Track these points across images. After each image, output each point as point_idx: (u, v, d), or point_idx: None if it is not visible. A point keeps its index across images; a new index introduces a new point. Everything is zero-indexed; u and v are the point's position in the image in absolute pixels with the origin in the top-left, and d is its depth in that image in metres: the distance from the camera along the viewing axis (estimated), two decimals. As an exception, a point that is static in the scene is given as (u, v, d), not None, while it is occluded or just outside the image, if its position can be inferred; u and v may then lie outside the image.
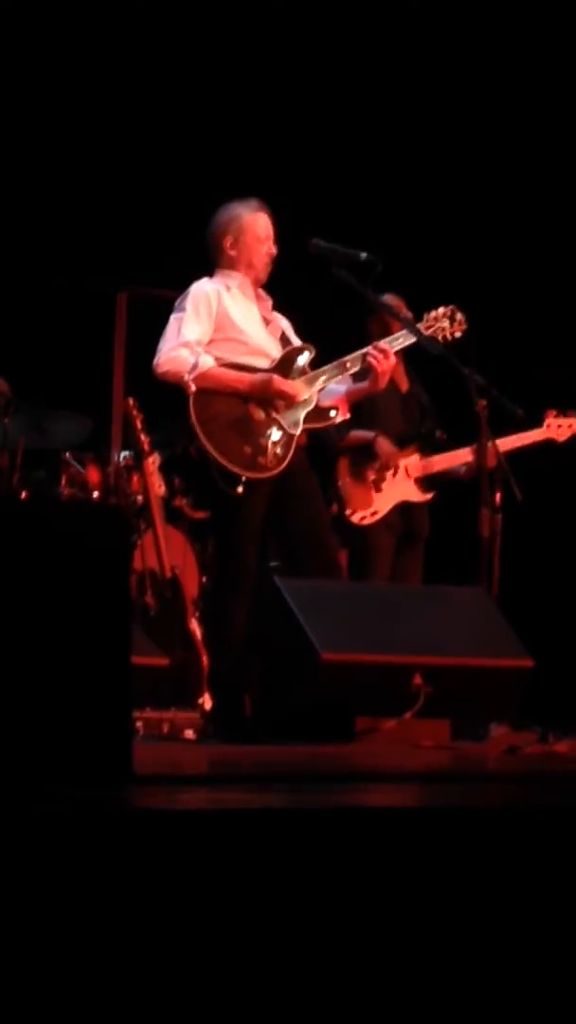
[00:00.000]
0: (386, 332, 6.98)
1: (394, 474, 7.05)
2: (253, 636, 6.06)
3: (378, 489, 7.03)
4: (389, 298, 6.91)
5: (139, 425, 7.26)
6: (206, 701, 6.59)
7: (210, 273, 6.38)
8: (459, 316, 6.55)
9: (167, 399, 6.58)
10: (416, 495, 7.09)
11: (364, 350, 6.41)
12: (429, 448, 7.13)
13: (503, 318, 7.82)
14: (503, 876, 3.02)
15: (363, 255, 6.32)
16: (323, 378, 6.32)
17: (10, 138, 8.25)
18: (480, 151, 8.78)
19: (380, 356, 6.34)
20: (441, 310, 6.57)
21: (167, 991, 2.71)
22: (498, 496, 6.57)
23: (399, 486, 7.07)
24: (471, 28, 8.66)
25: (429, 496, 7.11)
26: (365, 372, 6.42)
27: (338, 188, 8.54)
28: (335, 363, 6.37)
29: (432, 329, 6.52)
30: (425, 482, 7.11)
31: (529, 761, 5.30)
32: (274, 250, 6.35)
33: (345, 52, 8.68)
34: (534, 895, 3.04)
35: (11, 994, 2.61)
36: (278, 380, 6.20)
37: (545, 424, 7.05)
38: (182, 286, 6.48)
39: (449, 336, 6.53)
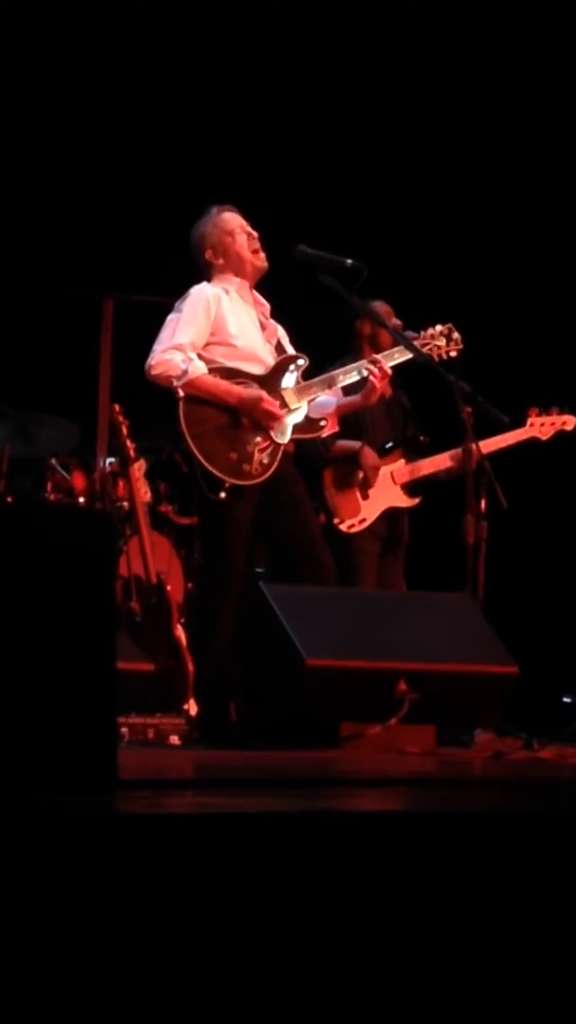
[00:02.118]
0: (376, 333, 7.00)
1: (380, 482, 7.07)
2: (238, 642, 6.06)
3: (365, 497, 7.05)
4: (378, 305, 6.92)
5: (125, 431, 7.27)
6: (191, 707, 6.60)
7: (208, 278, 6.38)
8: (455, 336, 6.55)
9: (153, 405, 6.59)
10: (403, 501, 7.11)
11: (359, 363, 6.43)
12: (414, 453, 7.15)
13: (487, 318, 7.81)
14: (489, 882, 3.03)
15: (349, 261, 6.32)
16: (314, 389, 6.33)
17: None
18: (469, 157, 8.80)
19: (379, 374, 6.36)
20: (438, 328, 6.56)
21: (155, 995, 2.71)
22: (483, 503, 6.58)
23: (386, 492, 7.08)
24: (468, 35, 8.67)
25: (415, 501, 7.13)
26: (356, 385, 6.43)
27: (323, 195, 8.54)
28: (327, 375, 6.39)
29: (428, 347, 6.51)
30: (411, 488, 7.13)
31: (514, 767, 5.31)
32: (255, 233, 6.36)
33: (338, 58, 8.69)
34: (520, 900, 3.05)
35: (1, 998, 2.61)
36: (267, 401, 6.19)
37: (528, 423, 7.06)
38: (168, 292, 6.49)
39: (444, 355, 6.52)
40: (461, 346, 6.54)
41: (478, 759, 5.58)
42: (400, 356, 6.46)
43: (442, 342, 6.54)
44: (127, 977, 2.70)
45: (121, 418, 7.27)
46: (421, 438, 7.18)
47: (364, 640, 5.92)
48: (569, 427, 7.11)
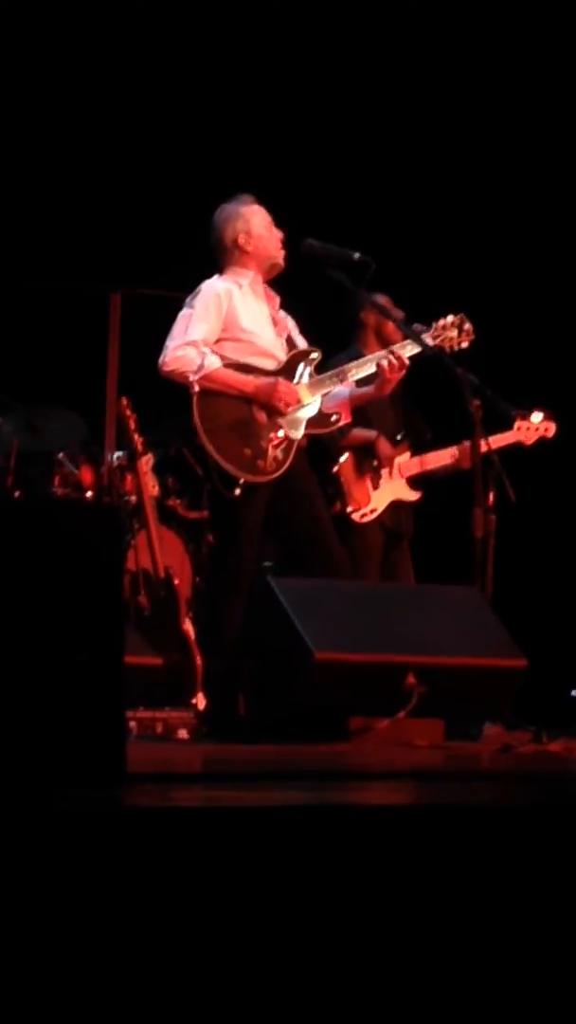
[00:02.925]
0: (382, 325, 6.99)
1: (389, 473, 7.08)
2: (246, 636, 6.06)
3: (375, 487, 7.07)
4: (379, 297, 6.91)
5: (132, 425, 7.26)
6: (200, 701, 6.60)
7: (220, 271, 6.36)
8: (467, 326, 6.51)
9: (161, 399, 6.59)
10: (408, 494, 7.14)
11: (377, 354, 6.42)
12: (419, 447, 7.16)
13: (494, 309, 7.79)
14: (497, 875, 3.03)
15: (356, 255, 6.31)
16: (327, 383, 6.32)
17: (4, 140, 8.24)
18: (474, 149, 8.78)
19: (396, 364, 6.33)
20: (450, 319, 6.52)
21: (163, 988, 2.71)
22: (492, 496, 6.58)
23: (393, 485, 7.10)
24: (472, 29, 8.66)
25: (418, 495, 7.15)
26: (368, 378, 6.43)
27: (330, 188, 8.53)
28: (339, 369, 6.38)
29: (440, 338, 6.48)
30: (415, 481, 7.14)
31: (523, 760, 5.31)
32: (280, 233, 6.35)
33: (344, 51, 8.67)
34: (528, 893, 3.04)
35: (7, 992, 2.61)
36: (283, 383, 6.19)
37: (515, 427, 7.05)
38: (176, 286, 6.48)
39: (456, 346, 6.49)
40: (473, 336, 6.51)
41: (487, 752, 5.58)
42: (412, 348, 6.45)
43: (454, 333, 6.51)
44: (136, 969, 2.70)
45: (129, 412, 7.27)
46: (428, 435, 7.19)
47: (372, 634, 5.92)
48: (550, 435, 7.13)
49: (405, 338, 6.55)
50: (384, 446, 7.08)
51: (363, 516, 7.01)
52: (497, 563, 6.53)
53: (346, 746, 5.63)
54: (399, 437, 7.16)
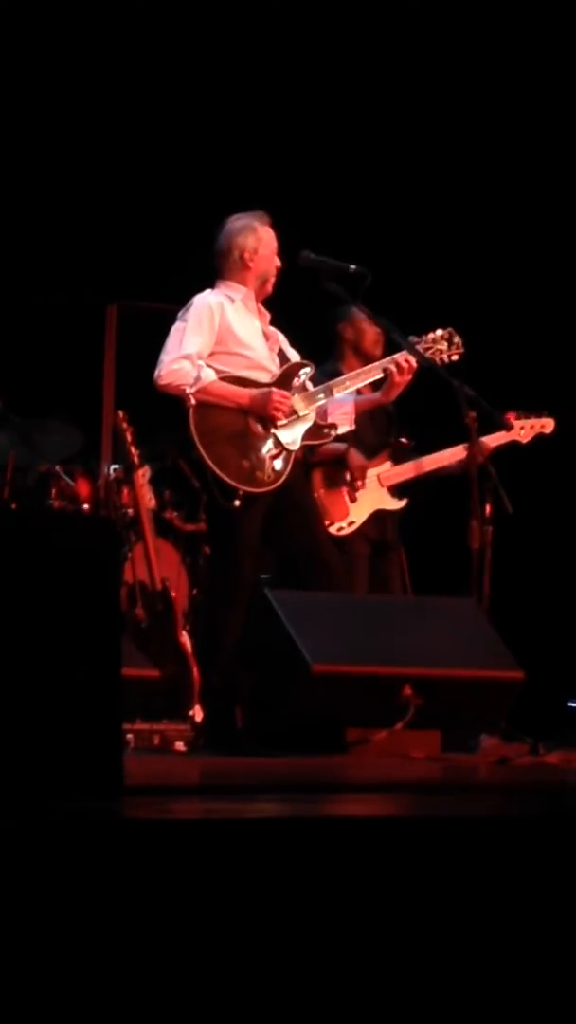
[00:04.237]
0: (359, 338, 6.99)
1: (365, 484, 7.06)
2: (244, 648, 6.07)
3: (352, 499, 7.04)
4: (357, 312, 6.92)
5: (129, 438, 7.27)
6: (197, 713, 6.59)
7: (212, 285, 6.38)
8: (456, 340, 6.55)
9: (157, 411, 6.59)
10: (390, 503, 7.11)
11: (384, 360, 6.45)
12: (399, 456, 7.15)
13: (482, 320, 7.81)
14: (494, 886, 3.03)
15: (352, 267, 6.33)
16: (321, 395, 6.34)
17: (2, 151, 8.25)
18: (468, 161, 8.79)
19: (406, 367, 6.36)
20: (439, 332, 6.56)
21: (161, 1000, 2.71)
22: (488, 507, 6.58)
23: (373, 495, 7.07)
24: (470, 43, 8.66)
25: (402, 503, 7.12)
26: (374, 384, 6.46)
27: (327, 202, 8.54)
28: (332, 382, 6.40)
29: (430, 351, 6.52)
30: (397, 490, 7.13)
31: (520, 772, 5.31)
32: (279, 263, 6.37)
33: (342, 65, 8.68)
34: (525, 906, 3.05)
35: (7, 1002, 2.61)
36: (278, 392, 6.21)
37: (510, 425, 7.02)
38: (172, 298, 6.49)
39: (446, 359, 6.53)
40: (463, 350, 6.54)
41: (483, 764, 5.58)
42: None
43: (444, 346, 6.54)
44: (135, 981, 2.70)
45: (125, 424, 7.27)
46: (403, 440, 7.16)
47: (369, 645, 5.92)
48: (548, 430, 7.09)
49: (384, 353, 6.58)
50: (355, 457, 7.02)
51: (340, 530, 6.97)
52: (494, 575, 6.54)
53: (343, 758, 5.63)
54: (379, 446, 7.13)
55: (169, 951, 2.73)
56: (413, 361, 6.42)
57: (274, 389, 6.23)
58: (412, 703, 5.77)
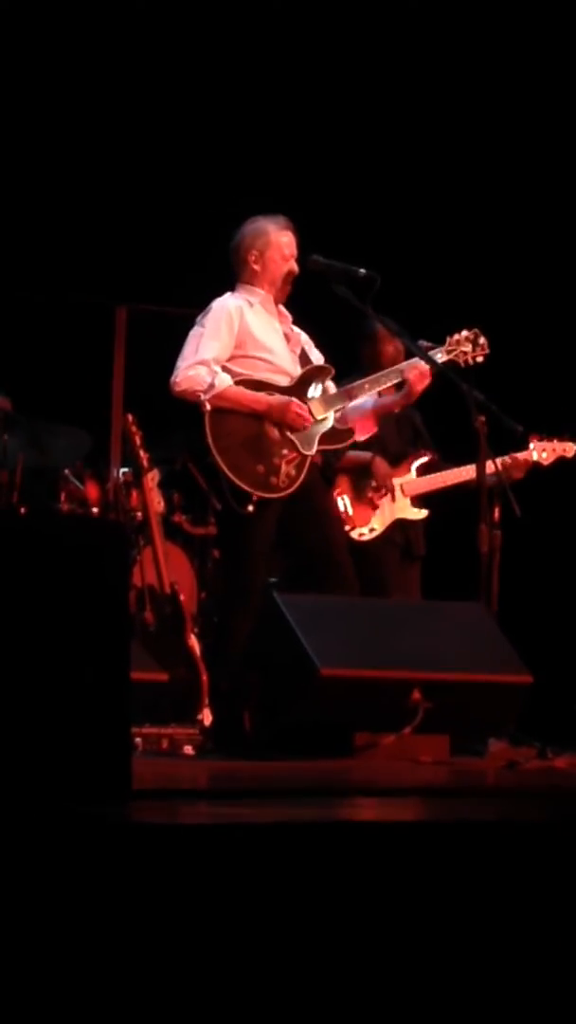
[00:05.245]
0: (376, 358, 6.99)
1: (391, 493, 7.07)
2: (252, 651, 6.06)
3: (375, 507, 7.06)
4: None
5: (138, 441, 7.27)
6: (205, 717, 6.59)
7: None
8: (482, 341, 6.48)
9: (167, 415, 6.59)
10: (412, 513, 7.12)
11: (399, 366, 6.43)
12: (423, 467, 7.16)
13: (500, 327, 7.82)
14: (502, 891, 3.03)
15: (362, 271, 6.32)
16: (339, 400, 6.33)
17: (10, 153, 8.27)
18: (482, 166, 8.80)
19: (418, 375, 6.35)
20: (464, 333, 6.50)
21: (168, 1004, 2.71)
22: (497, 512, 6.57)
23: (396, 505, 7.09)
24: (480, 45, 8.66)
25: (424, 514, 7.14)
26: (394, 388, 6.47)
27: (338, 204, 8.54)
28: (351, 385, 6.39)
29: (454, 353, 6.48)
30: (420, 500, 7.14)
31: (528, 776, 5.30)
32: (296, 269, 6.34)
33: (354, 68, 8.68)
34: (533, 909, 3.04)
35: (12, 1007, 2.61)
36: (296, 404, 6.19)
37: (530, 447, 7.03)
38: (181, 301, 6.49)
39: (471, 360, 6.47)
40: (487, 351, 6.50)
41: (492, 768, 5.57)
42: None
43: (468, 347, 6.49)
44: (142, 985, 2.70)
45: (134, 428, 7.27)
46: (428, 455, 7.17)
47: (378, 649, 5.91)
48: (569, 454, 7.10)
49: (408, 358, 6.57)
50: (380, 466, 7.05)
51: (361, 536, 7.00)
52: (502, 579, 6.53)
53: (351, 762, 5.63)
54: (403, 456, 7.15)
55: (177, 955, 2.72)
56: (427, 369, 6.40)
57: (293, 400, 6.20)
58: (421, 707, 5.77)
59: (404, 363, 6.52)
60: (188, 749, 6.34)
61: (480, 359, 6.49)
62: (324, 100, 8.68)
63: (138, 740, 6.10)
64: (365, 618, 6.11)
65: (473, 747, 6.03)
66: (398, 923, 2.92)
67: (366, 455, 7.05)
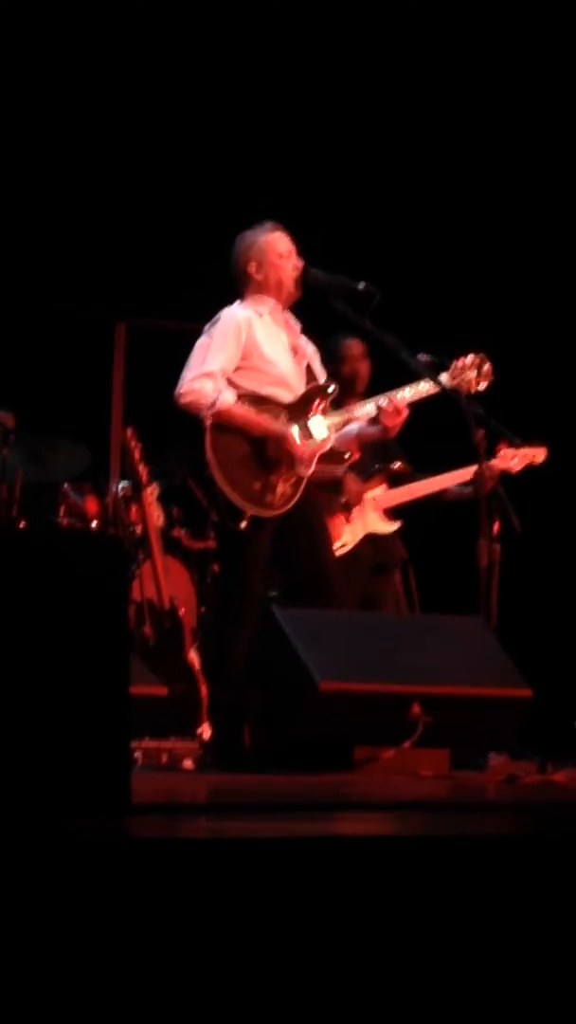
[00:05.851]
0: (355, 378, 6.99)
1: (362, 507, 7.06)
2: (251, 666, 6.06)
3: (347, 521, 7.04)
4: (353, 345, 6.94)
5: (137, 455, 7.27)
6: (205, 731, 6.59)
7: (240, 298, 6.34)
8: (486, 367, 6.34)
9: (166, 429, 6.59)
10: (383, 527, 7.11)
11: (376, 398, 6.38)
12: (394, 480, 7.14)
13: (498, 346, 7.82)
14: (502, 905, 3.02)
15: (360, 285, 6.30)
16: (339, 422, 6.31)
17: (10, 166, 8.27)
18: (483, 179, 8.81)
19: (392, 413, 6.30)
20: (470, 359, 6.37)
21: (168, 1019, 2.70)
22: (496, 526, 6.57)
23: (367, 518, 7.08)
24: (483, 52, 8.67)
25: (395, 526, 7.13)
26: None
27: (337, 218, 8.55)
28: (344, 410, 6.37)
29: (457, 380, 6.39)
30: (391, 513, 7.13)
31: (528, 790, 5.30)
32: (300, 263, 6.32)
33: (355, 79, 8.69)
34: (533, 924, 3.04)
35: (12, 1022, 2.61)
36: (290, 443, 6.17)
37: (499, 456, 6.97)
38: (181, 317, 6.48)
39: (474, 387, 6.35)
40: (491, 378, 6.39)
41: (492, 783, 5.57)
42: (412, 392, 6.37)
43: (472, 374, 6.36)
44: (142, 1001, 2.69)
45: (134, 442, 7.28)
46: (398, 465, 7.15)
47: (377, 663, 5.91)
48: (539, 460, 7.04)
49: (395, 372, 6.55)
50: (351, 482, 7.04)
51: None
52: (502, 592, 6.53)
53: (351, 776, 5.63)
54: (375, 469, 7.12)
55: (177, 970, 2.72)
56: (402, 406, 6.32)
57: (288, 436, 6.15)
58: (420, 721, 5.77)
59: (382, 396, 6.41)
60: (188, 763, 6.34)
61: (483, 386, 6.37)
62: (326, 115, 8.69)
63: (138, 754, 6.10)
64: (364, 632, 6.11)
65: (473, 761, 6.03)
66: (398, 938, 2.91)
67: (337, 470, 7.00)
